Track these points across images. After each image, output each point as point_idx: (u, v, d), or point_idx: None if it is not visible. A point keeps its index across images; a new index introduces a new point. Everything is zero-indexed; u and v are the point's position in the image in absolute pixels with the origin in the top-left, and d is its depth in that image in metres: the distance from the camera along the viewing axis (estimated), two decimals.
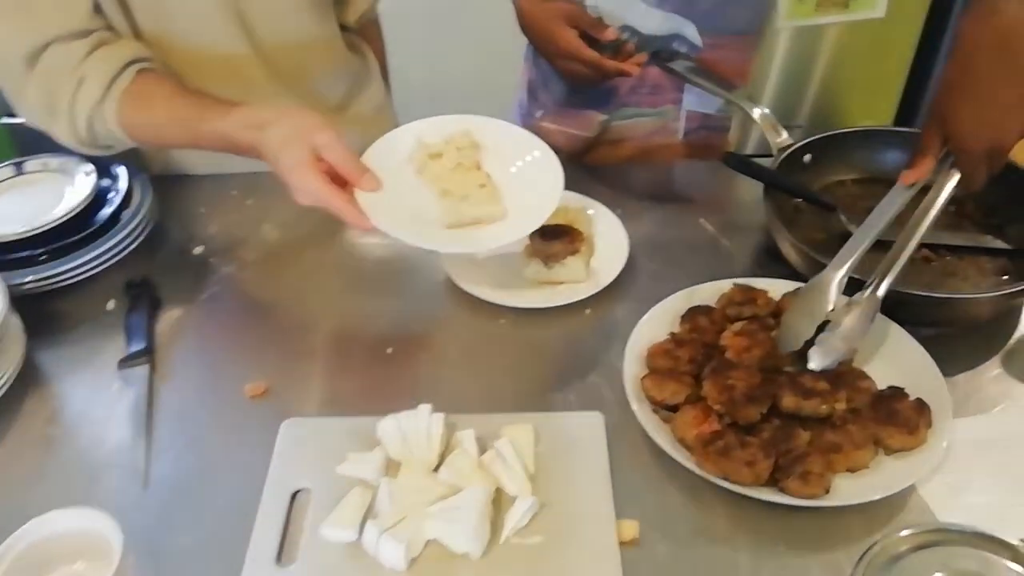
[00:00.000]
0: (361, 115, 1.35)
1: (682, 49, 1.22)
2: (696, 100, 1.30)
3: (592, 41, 1.15)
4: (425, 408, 0.87)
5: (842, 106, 2.86)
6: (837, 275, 0.92)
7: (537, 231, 1.07)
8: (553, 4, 1.16)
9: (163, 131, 1.07)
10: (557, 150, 1.03)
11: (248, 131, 0.97)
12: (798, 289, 0.98)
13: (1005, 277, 1.05)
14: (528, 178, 1.02)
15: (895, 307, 0.96)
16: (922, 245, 1.09)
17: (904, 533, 0.67)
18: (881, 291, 0.91)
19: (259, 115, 0.98)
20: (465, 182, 1.01)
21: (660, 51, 1.21)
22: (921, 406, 0.85)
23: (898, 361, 0.93)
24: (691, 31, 1.19)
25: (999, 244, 1.09)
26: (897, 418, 0.84)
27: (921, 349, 0.92)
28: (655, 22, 1.18)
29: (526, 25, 1.24)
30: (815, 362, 0.88)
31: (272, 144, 0.95)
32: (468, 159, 1.03)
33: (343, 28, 1.32)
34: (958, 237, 1.11)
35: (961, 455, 0.86)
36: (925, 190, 1.00)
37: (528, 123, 1.35)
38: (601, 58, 1.13)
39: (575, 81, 1.20)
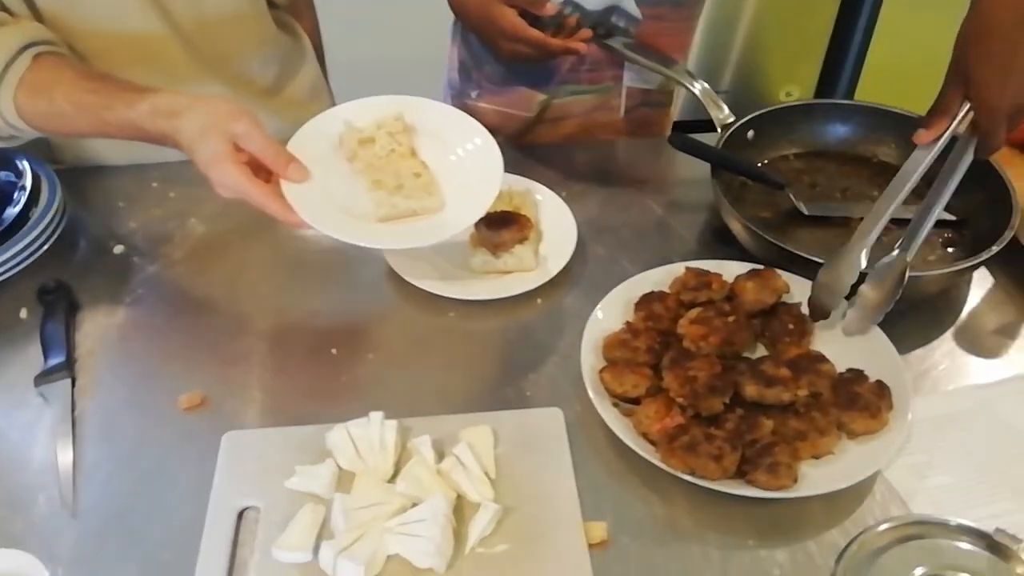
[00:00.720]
0: (295, 98, 1.27)
1: (620, 23, 1.18)
2: (636, 76, 1.27)
3: (533, 18, 1.10)
4: (377, 416, 0.83)
5: (766, 70, 2.89)
6: (865, 244, 0.92)
7: (483, 219, 1.03)
8: None
9: (68, 121, 0.97)
10: (494, 130, 0.98)
11: (159, 120, 0.90)
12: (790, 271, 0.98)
13: (951, 249, 1.05)
14: (467, 167, 0.97)
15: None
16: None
17: (882, 528, 0.66)
18: (910, 255, 0.91)
19: (171, 102, 0.91)
20: (399, 171, 0.95)
21: (597, 26, 1.17)
22: (881, 388, 0.84)
23: (855, 342, 0.92)
24: (629, 2, 1.15)
25: (944, 216, 1.09)
26: (859, 402, 0.83)
27: (877, 329, 0.92)
28: None
29: (460, 8, 1.18)
30: (853, 327, 0.90)
31: (187, 135, 0.88)
32: (402, 145, 0.98)
33: (271, 5, 1.23)
34: (902, 209, 1.10)
35: (922, 435, 0.86)
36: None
37: (461, 104, 1.29)
38: (546, 38, 1.08)
39: (517, 62, 1.15)
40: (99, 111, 0.94)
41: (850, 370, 0.88)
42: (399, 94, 1.01)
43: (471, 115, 1.00)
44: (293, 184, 0.90)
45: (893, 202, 0.95)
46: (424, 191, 0.94)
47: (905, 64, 2.70)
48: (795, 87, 2.94)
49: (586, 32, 1.11)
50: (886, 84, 2.78)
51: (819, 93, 2.99)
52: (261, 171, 0.89)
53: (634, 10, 1.16)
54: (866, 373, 0.87)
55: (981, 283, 1.04)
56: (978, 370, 0.94)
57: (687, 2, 1.22)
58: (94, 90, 0.95)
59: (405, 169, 0.95)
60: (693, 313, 0.91)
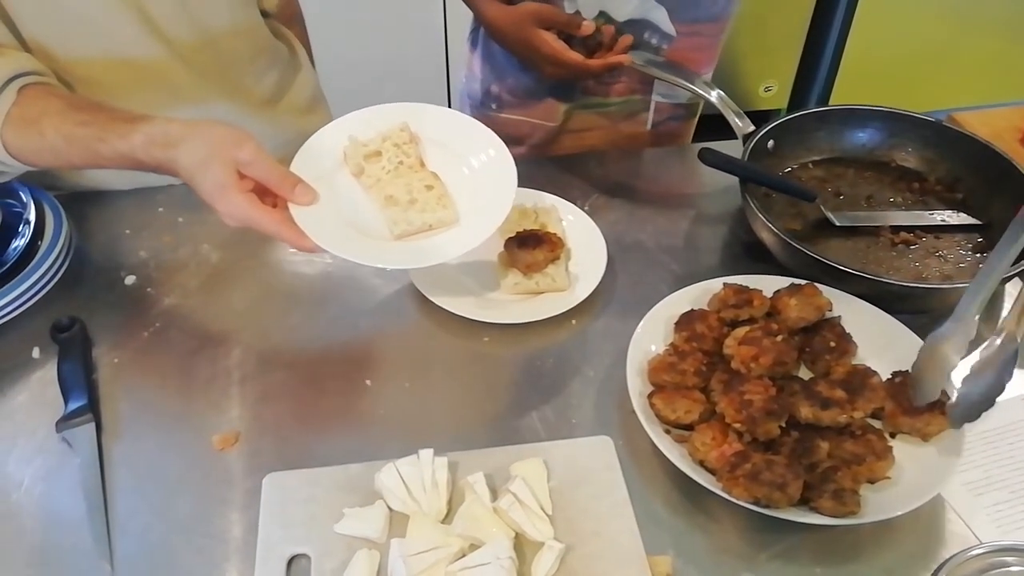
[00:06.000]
0: (295, 106, 1.24)
1: (653, 40, 1.15)
2: (666, 91, 1.25)
3: (569, 37, 1.07)
4: (427, 453, 0.80)
5: (744, 66, 2.89)
6: (972, 319, 0.84)
7: (513, 239, 1.01)
8: (521, 7, 1.06)
9: (60, 155, 0.92)
10: (519, 140, 0.95)
11: (155, 150, 0.86)
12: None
13: (984, 254, 1.05)
14: (481, 179, 0.94)
15: (886, 298, 0.94)
16: (899, 228, 1.09)
17: (970, 555, 0.65)
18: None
19: (166, 131, 0.86)
20: (410, 184, 0.92)
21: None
22: None
23: (896, 355, 0.90)
24: (661, 16, 1.13)
25: (971, 220, 1.09)
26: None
27: (916, 338, 0.90)
28: (630, 8, 1.11)
29: (498, 36, 1.15)
30: (957, 421, 0.82)
31: (187, 164, 0.85)
32: (410, 156, 0.95)
33: (263, 15, 1.19)
34: (929, 217, 1.10)
35: (973, 450, 0.85)
36: None
37: (482, 115, 1.26)
38: (586, 61, 1.07)
39: (560, 80, 1.12)
40: (91, 143, 0.89)
41: (896, 373, 0.87)
42: (394, 99, 0.98)
43: (493, 126, 0.97)
44: (302, 207, 0.87)
45: (989, 282, 0.87)
46: (438, 204, 0.91)
47: (883, 55, 2.73)
48: (774, 82, 2.95)
49: (627, 38, 1.08)
50: (865, 76, 2.81)
51: (798, 87, 3.00)
52: (267, 195, 0.86)
53: (668, 27, 1.14)
54: None
55: (1011, 289, 1.04)
56: (1021, 380, 0.93)
57: (723, 15, 1.20)
58: (84, 122, 0.90)
59: (416, 182, 0.92)
60: (740, 333, 0.89)
